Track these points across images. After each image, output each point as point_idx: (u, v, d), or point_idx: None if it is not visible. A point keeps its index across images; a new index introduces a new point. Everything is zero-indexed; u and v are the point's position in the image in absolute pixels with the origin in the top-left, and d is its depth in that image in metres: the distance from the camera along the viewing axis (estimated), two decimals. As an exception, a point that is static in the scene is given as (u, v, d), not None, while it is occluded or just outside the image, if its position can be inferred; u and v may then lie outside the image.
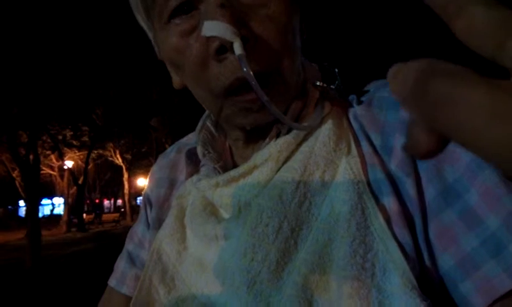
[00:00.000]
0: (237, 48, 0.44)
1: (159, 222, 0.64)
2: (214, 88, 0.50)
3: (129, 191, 22.24)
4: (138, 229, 0.71)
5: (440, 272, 0.44)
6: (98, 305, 0.70)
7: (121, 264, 0.70)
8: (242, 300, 0.45)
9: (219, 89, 0.49)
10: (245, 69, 0.44)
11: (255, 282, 0.45)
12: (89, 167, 20.23)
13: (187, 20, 0.49)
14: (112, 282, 0.69)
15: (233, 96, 0.50)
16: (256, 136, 0.56)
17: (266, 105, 0.46)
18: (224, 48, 0.46)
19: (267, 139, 0.54)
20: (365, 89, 0.57)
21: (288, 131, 0.53)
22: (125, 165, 20.81)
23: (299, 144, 0.52)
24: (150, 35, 0.58)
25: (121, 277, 0.68)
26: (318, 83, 0.56)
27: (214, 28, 0.45)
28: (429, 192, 0.45)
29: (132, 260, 0.69)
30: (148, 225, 0.69)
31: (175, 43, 0.50)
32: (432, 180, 0.45)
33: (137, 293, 0.56)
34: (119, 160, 20.42)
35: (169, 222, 0.59)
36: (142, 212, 0.72)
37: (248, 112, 0.51)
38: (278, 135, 0.54)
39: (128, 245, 0.71)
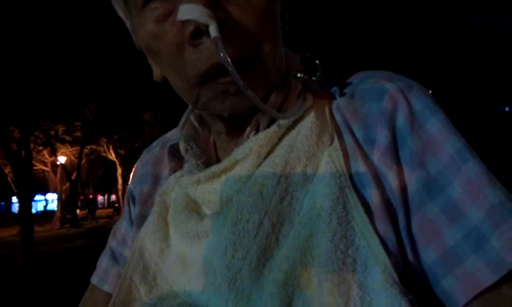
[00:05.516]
0: (213, 31, 0.43)
1: (142, 219, 0.63)
2: (190, 76, 0.48)
3: (123, 186, 22.15)
4: (122, 226, 0.70)
5: (423, 266, 0.43)
6: (81, 303, 0.69)
7: (104, 261, 0.69)
8: (223, 297, 0.45)
9: (196, 76, 0.48)
10: (221, 53, 0.43)
11: (236, 279, 0.44)
12: (83, 162, 20.13)
13: (163, 4, 0.47)
14: (94, 279, 0.68)
15: (210, 82, 0.48)
16: (237, 128, 0.55)
17: (243, 90, 0.44)
18: (200, 32, 0.45)
19: (248, 130, 0.53)
20: (348, 81, 0.56)
21: (269, 124, 0.52)
22: (119, 161, 20.72)
23: (281, 138, 0.51)
24: (128, 24, 0.56)
25: (104, 275, 0.67)
26: (300, 75, 0.55)
27: (189, 11, 0.43)
28: (412, 185, 0.44)
29: (114, 258, 0.68)
30: (132, 222, 0.67)
31: (151, 29, 0.49)
32: (416, 171, 0.45)
33: (117, 291, 0.55)
34: (112, 156, 20.33)
35: (152, 219, 0.58)
36: (125, 208, 0.70)
37: (224, 96, 0.49)
38: (258, 128, 0.53)
39: (112, 242, 0.70)
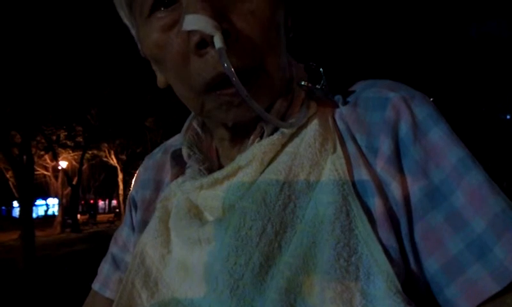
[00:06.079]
0: (218, 41, 0.43)
1: (143, 225, 0.63)
2: (195, 84, 0.48)
3: (124, 191, 22.11)
4: (123, 232, 0.69)
5: (426, 275, 0.43)
6: None
7: (105, 267, 0.69)
8: (225, 304, 0.44)
9: (200, 85, 0.48)
10: (225, 63, 0.43)
11: (238, 286, 0.44)
12: (84, 167, 20.17)
13: (168, 14, 0.48)
14: (96, 285, 0.68)
15: (214, 91, 0.48)
16: (241, 135, 0.55)
17: (247, 101, 0.45)
18: (205, 42, 0.45)
19: (252, 138, 0.53)
20: (351, 89, 0.56)
21: (273, 131, 0.52)
22: (120, 166, 20.73)
23: (284, 145, 0.51)
24: (133, 32, 0.56)
25: (105, 281, 0.67)
26: (303, 83, 0.55)
27: (194, 22, 0.44)
28: (415, 194, 0.44)
29: (116, 264, 0.68)
30: (133, 228, 0.67)
31: (156, 38, 0.49)
32: (418, 180, 0.45)
33: (118, 297, 0.55)
34: (114, 161, 20.33)
35: (154, 225, 0.58)
36: (127, 214, 0.70)
37: (228, 107, 0.49)
38: (262, 135, 0.53)
39: (113, 248, 0.70)
